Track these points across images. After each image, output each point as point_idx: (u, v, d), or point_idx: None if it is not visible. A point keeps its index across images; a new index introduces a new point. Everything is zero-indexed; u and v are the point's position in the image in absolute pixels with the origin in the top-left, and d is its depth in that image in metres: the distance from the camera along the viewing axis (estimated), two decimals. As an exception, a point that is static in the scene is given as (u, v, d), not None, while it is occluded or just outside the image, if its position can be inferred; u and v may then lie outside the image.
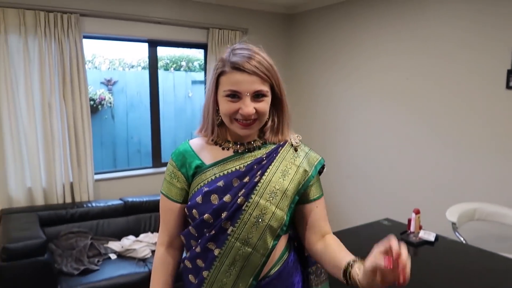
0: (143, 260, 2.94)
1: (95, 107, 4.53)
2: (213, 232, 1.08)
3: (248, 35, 4.13)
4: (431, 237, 2.26)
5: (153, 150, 3.99)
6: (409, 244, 2.24)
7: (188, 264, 1.16)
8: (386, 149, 3.62)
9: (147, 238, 3.20)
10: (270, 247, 1.09)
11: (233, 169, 1.12)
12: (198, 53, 5.17)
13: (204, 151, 1.17)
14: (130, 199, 3.43)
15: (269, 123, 1.16)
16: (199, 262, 1.12)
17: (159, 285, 1.19)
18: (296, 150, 1.17)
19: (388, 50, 3.53)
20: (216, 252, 1.08)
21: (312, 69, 4.34)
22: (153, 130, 3.97)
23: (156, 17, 3.62)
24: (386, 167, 3.63)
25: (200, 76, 5.28)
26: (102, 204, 3.30)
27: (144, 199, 3.48)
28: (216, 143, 1.17)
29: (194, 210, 1.11)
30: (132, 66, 5.07)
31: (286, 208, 1.10)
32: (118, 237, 3.23)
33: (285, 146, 1.17)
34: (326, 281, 1.28)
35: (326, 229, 1.19)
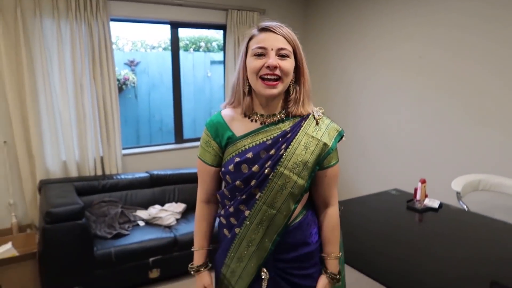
0: (169, 227, 3.20)
1: (120, 87, 4.76)
2: (244, 196, 1.25)
3: (265, 15, 4.28)
4: (435, 204, 2.44)
5: (175, 128, 4.23)
6: (414, 210, 2.43)
7: (223, 220, 1.36)
8: (398, 123, 3.77)
9: (172, 207, 3.46)
10: (292, 209, 1.26)
11: (261, 141, 1.25)
12: (217, 34, 5.31)
13: (235, 122, 1.29)
14: (155, 172, 3.69)
15: (292, 94, 1.26)
16: (232, 220, 1.31)
17: (201, 232, 1.41)
18: (317, 123, 1.28)
19: (402, 24, 3.63)
20: (247, 213, 1.26)
21: (327, 47, 4.47)
22: (175, 108, 4.19)
23: (177, 0, 3.79)
24: (397, 140, 3.79)
25: (218, 56, 5.42)
26: (130, 177, 3.56)
27: (168, 172, 3.73)
28: (245, 115, 1.30)
29: (227, 176, 1.28)
30: (154, 47, 5.27)
31: (307, 177, 1.25)
32: (145, 206, 3.50)
33: (307, 120, 1.28)
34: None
35: (331, 199, 1.34)
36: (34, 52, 3.19)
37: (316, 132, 1.27)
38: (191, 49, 5.44)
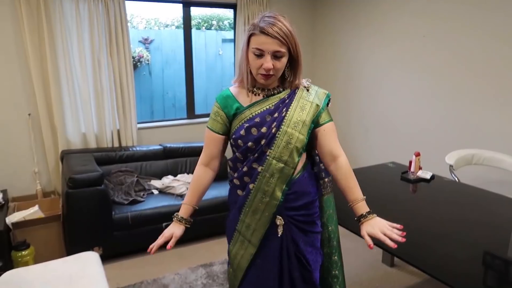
0: (181, 196, 3.44)
1: (135, 64, 4.95)
2: (256, 155, 1.47)
3: (274, -4, 4.39)
4: (427, 176, 2.61)
5: (188, 104, 4.43)
6: (407, 181, 2.61)
7: (236, 182, 1.56)
8: (396, 100, 3.90)
9: (184, 178, 3.69)
10: (296, 161, 1.47)
11: (265, 108, 1.48)
12: (228, 12, 5.42)
13: (241, 96, 1.53)
14: (168, 145, 3.92)
15: (288, 77, 1.51)
16: (246, 178, 1.52)
17: (194, 190, 1.61)
18: (308, 90, 1.53)
19: (407, 10, 3.72)
20: (259, 169, 1.47)
21: (333, 22, 4.58)
22: (188, 85, 4.38)
23: (189, -20, 3.93)
24: (395, 116, 3.93)
25: (230, 34, 5.52)
26: (144, 149, 3.80)
27: (181, 145, 3.95)
28: (249, 90, 1.52)
29: (239, 141, 1.49)
30: (167, 26, 5.42)
31: (306, 133, 1.47)
32: (159, 176, 3.74)
33: (300, 88, 1.53)
34: (331, 193, 1.68)
35: (335, 151, 1.51)
36: (55, 31, 3.41)
37: (308, 97, 1.51)
38: (203, 27, 5.58)
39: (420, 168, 2.72)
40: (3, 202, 3.06)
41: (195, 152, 3.96)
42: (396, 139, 3.98)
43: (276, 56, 1.40)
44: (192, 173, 3.87)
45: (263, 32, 1.38)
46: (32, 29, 3.32)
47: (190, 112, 4.45)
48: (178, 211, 1.61)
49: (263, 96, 1.51)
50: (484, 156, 2.87)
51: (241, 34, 4.28)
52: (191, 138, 4.29)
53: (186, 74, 4.36)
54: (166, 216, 3.12)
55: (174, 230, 1.56)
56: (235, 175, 1.55)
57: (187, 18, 4.20)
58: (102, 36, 3.58)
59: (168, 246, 1.52)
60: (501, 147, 2.98)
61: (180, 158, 3.93)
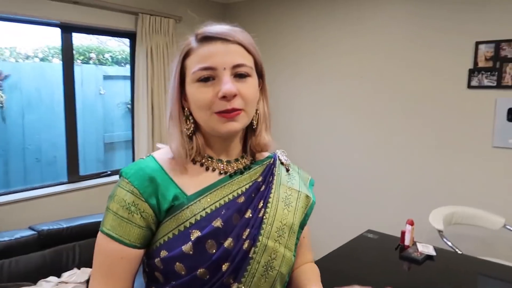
0: (74, 309, 2.27)
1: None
2: None
3: (181, 23, 3.61)
4: (432, 251, 2.09)
5: (69, 161, 3.24)
6: (413, 261, 2.03)
7: None
8: (345, 151, 3.44)
9: (74, 276, 2.52)
10: None
11: (227, 198, 0.85)
12: (113, 44, 4.46)
13: (180, 172, 0.86)
14: (44, 227, 2.67)
15: (256, 126, 0.91)
16: None
17: None
18: (288, 170, 0.97)
19: (337, 50, 3.34)
20: None
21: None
22: (69, 135, 3.22)
23: (72, -4, 2.90)
24: (351, 175, 3.45)
25: (113, 70, 4.57)
26: (6, 238, 2.49)
27: (63, 225, 2.75)
28: (194, 161, 0.88)
29: (178, 264, 0.80)
30: (28, 57, 4.13)
31: (294, 246, 0.90)
32: (33, 279, 2.47)
33: (277, 165, 0.95)
34: None
35: (307, 258, 1.06)
36: None
37: (292, 182, 0.96)
38: (79, 61, 4.46)
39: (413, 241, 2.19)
40: None
41: (88, 232, 2.80)
42: (350, 197, 3.46)
43: (239, 74, 0.82)
44: (85, 265, 2.72)
45: (208, 37, 0.82)
46: None
47: (73, 172, 3.25)
48: None
49: (221, 173, 0.88)
50: (464, 214, 2.52)
51: (142, 70, 3.34)
52: (78, 211, 3.09)
53: (67, 121, 3.20)
54: None
55: None
56: None
57: (67, 46, 3.10)
58: None
59: None
60: (472, 200, 2.69)
61: (65, 245, 2.71)
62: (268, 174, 0.92)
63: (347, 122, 3.35)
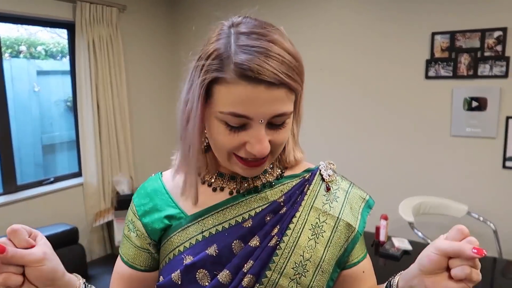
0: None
1: None
2: None
3: (126, 13, 3.32)
4: (408, 245, 2.07)
5: (4, 167, 2.86)
6: (391, 258, 2.00)
7: None
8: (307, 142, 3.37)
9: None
10: None
11: (232, 222, 0.72)
12: (44, 35, 4.03)
13: (185, 192, 0.75)
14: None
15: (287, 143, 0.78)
16: None
17: None
18: (328, 188, 0.77)
19: (294, 42, 3.24)
20: None
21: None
22: (2, 139, 2.84)
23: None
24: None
25: (47, 65, 4.14)
26: None
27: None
28: (204, 181, 0.77)
29: None
30: None
31: None
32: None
33: (313, 182, 0.76)
34: None
35: None
36: None
37: (331, 204, 0.75)
38: (7, 54, 3.98)
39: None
40: None
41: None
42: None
43: (274, 124, 0.66)
44: None
45: (248, 77, 0.60)
46: None
47: (9, 181, 2.88)
48: None
49: (232, 193, 0.75)
50: (430, 204, 2.54)
51: (84, 64, 3.03)
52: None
53: (-2, 123, 2.82)
54: None
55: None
56: None
57: (-6, 38, 2.71)
58: None
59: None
60: (435, 189, 2.74)
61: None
62: (296, 192, 0.75)
63: (304, 115, 3.29)
